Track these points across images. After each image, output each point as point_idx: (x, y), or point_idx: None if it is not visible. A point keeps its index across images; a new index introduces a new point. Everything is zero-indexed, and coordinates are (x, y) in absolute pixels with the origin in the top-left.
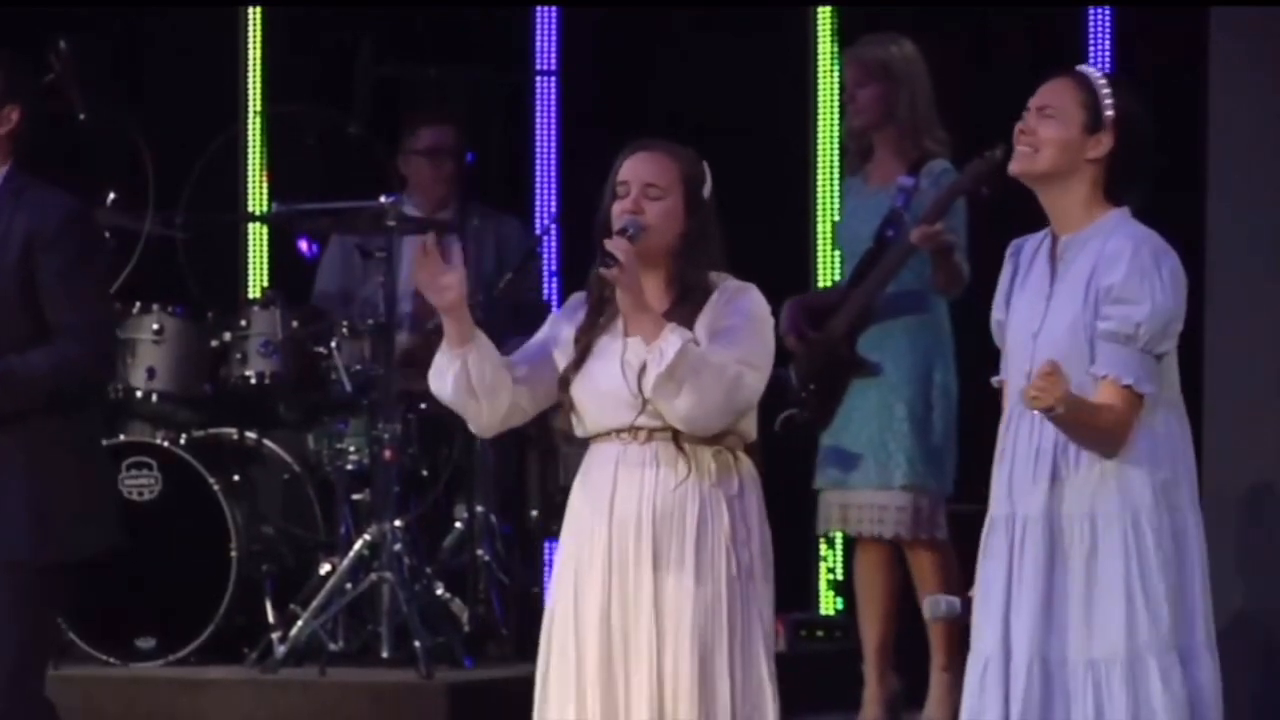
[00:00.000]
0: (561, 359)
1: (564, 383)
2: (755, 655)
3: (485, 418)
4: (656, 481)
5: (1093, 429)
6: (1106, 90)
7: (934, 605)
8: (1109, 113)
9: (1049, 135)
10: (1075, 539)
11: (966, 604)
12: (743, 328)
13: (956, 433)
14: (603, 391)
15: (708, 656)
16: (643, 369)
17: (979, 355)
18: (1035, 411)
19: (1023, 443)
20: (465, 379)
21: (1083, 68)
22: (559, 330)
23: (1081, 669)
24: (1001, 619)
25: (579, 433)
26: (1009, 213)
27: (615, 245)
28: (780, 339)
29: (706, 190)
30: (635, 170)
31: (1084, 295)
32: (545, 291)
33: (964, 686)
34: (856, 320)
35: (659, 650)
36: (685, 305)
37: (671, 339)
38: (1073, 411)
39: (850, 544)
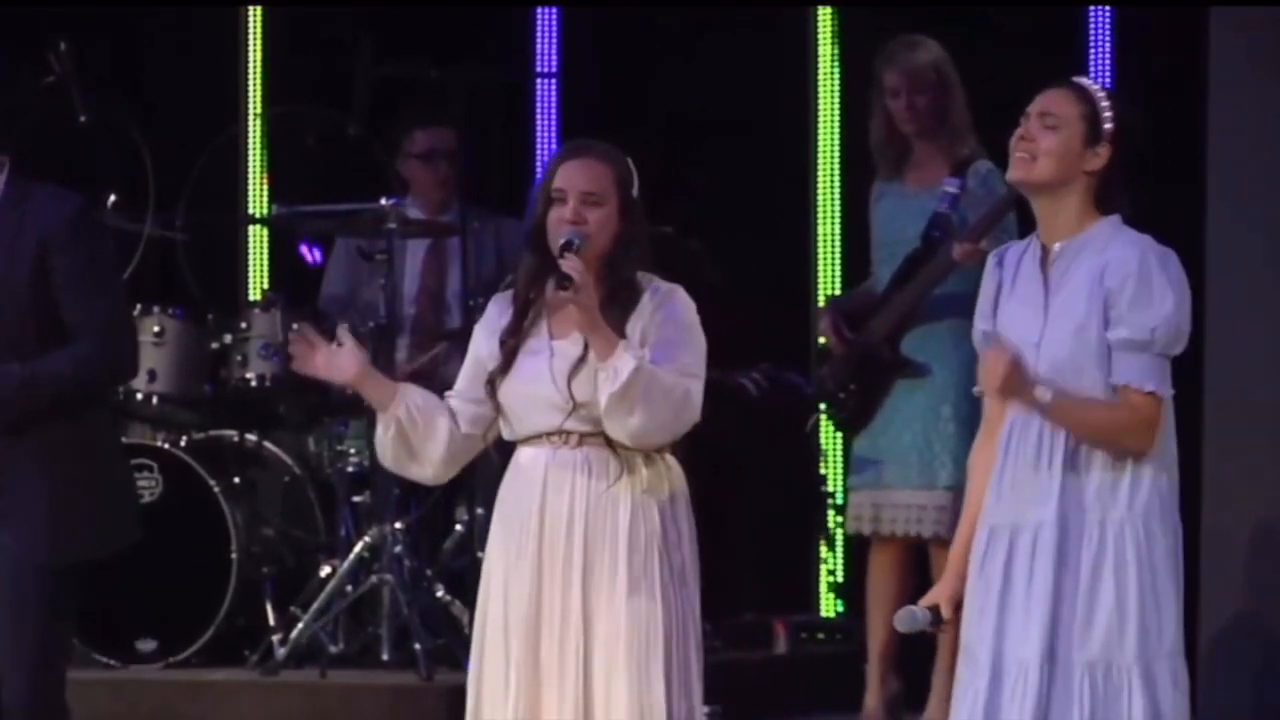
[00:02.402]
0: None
1: (490, 387)
2: (688, 658)
3: (430, 469)
4: (588, 486)
5: (1089, 424)
6: (1106, 104)
7: (910, 619)
8: (1108, 125)
9: (1049, 145)
10: (1085, 544)
11: (935, 612)
12: (680, 339)
13: None
14: (530, 394)
15: (644, 663)
16: (572, 373)
17: None
18: (1034, 411)
19: (1029, 449)
20: (403, 439)
21: (1082, 80)
22: (484, 343)
23: (1079, 670)
24: (995, 626)
25: (506, 435)
26: None
27: (569, 265)
28: (820, 339)
29: (635, 191)
30: (571, 178)
31: (1086, 303)
32: None
33: (957, 689)
34: (901, 322)
35: (588, 657)
36: (613, 307)
37: (626, 358)
38: (1058, 401)
39: (850, 546)
